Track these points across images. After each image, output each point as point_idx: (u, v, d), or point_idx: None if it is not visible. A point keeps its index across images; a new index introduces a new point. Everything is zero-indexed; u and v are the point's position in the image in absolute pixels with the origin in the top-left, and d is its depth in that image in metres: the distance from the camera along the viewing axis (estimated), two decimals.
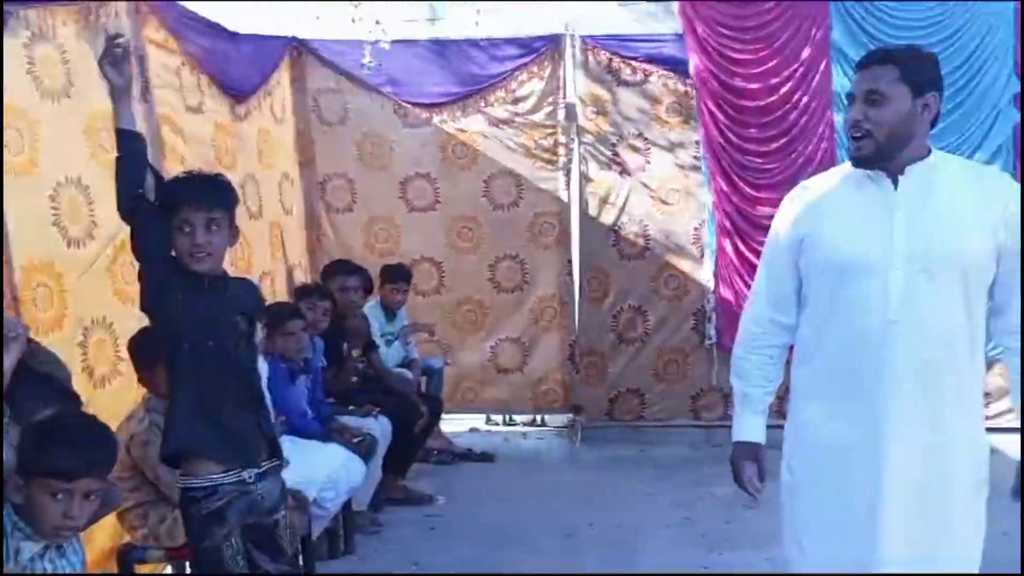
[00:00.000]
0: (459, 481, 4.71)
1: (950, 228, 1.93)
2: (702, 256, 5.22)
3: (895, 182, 1.96)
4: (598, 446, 5.24)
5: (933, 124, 1.99)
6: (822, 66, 4.99)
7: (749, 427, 2.18)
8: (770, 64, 5.03)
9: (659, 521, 4.09)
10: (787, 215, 2.12)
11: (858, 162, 1.99)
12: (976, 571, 2.05)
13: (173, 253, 2.08)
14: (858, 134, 1.95)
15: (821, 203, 2.06)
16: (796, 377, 2.15)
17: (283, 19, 5.26)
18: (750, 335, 2.18)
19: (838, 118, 4.85)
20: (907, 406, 1.95)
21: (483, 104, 5.31)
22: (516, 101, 5.30)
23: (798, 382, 2.14)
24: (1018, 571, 1.68)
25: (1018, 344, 1.97)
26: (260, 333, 2.66)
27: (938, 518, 1.98)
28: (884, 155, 1.95)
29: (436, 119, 5.32)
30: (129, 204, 2.07)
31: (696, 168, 5.20)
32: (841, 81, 4.86)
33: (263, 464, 2.15)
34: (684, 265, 5.27)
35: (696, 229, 5.25)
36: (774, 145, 5.06)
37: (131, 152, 2.09)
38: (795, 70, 5.00)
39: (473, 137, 5.31)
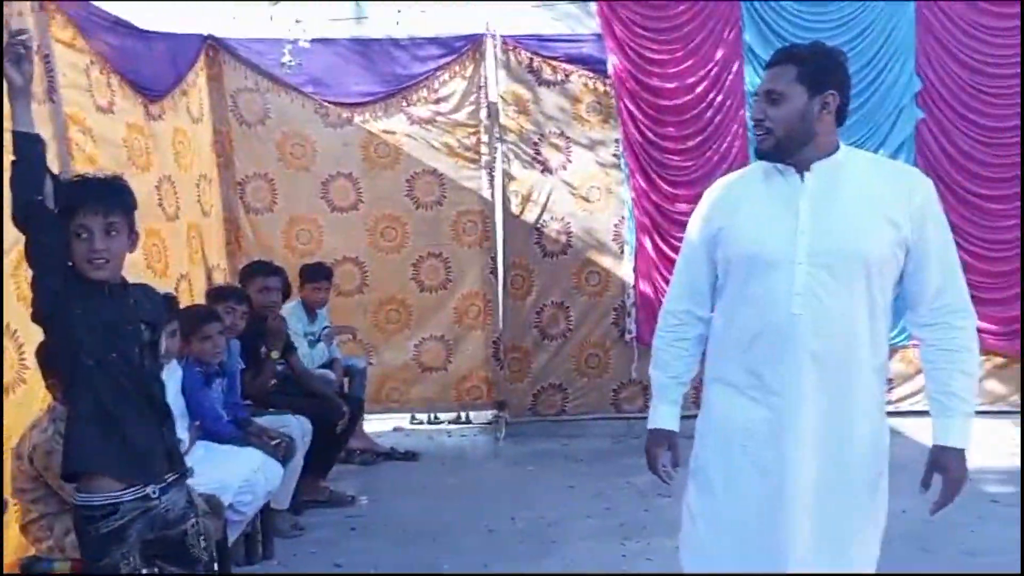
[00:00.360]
0: (382, 481, 4.72)
1: (853, 224, 1.97)
2: (622, 252, 5.33)
3: (803, 178, 2.01)
4: (522, 441, 5.31)
5: (840, 121, 2.04)
6: (735, 66, 5.15)
7: (663, 415, 2.23)
8: (686, 64, 5.17)
9: (580, 512, 4.17)
10: (703, 210, 2.18)
11: (761, 154, 2.07)
12: (876, 556, 2.10)
13: (71, 262, 2.03)
14: (760, 131, 2.03)
15: (734, 198, 2.12)
16: (708, 366, 2.20)
17: (199, 18, 5.18)
18: (668, 327, 2.23)
19: (750, 116, 5.01)
20: (808, 398, 1.99)
21: (405, 104, 5.32)
22: (438, 100, 5.33)
23: (709, 371, 2.20)
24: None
25: (934, 335, 2.02)
26: (165, 342, 2.61)
27: (838, 505, 2.02)
28: (784, 151, 2.01)
29: (358, 119, 5.31)
30: (24, 211, 1.97)
31: (616, 166, 5.30)
32: (753, 80, 5.03)
33: (168, 477, 2.12)
34: (605, 261, 5.37)
35: (616, 226, 5.35)
36: (691, 143, 5.20)
37: (28, 156, 1.99)
38: (709, 70, 5.14)
39: (396, 137, 5.33)
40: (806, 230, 1.97)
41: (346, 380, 4.91)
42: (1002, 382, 5.21)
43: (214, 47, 5.15)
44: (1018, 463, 4.73)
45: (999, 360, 5.19)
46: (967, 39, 5.02)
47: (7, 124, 1.96)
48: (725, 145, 5.17)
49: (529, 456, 5.10)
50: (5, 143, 2.03)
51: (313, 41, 5.13)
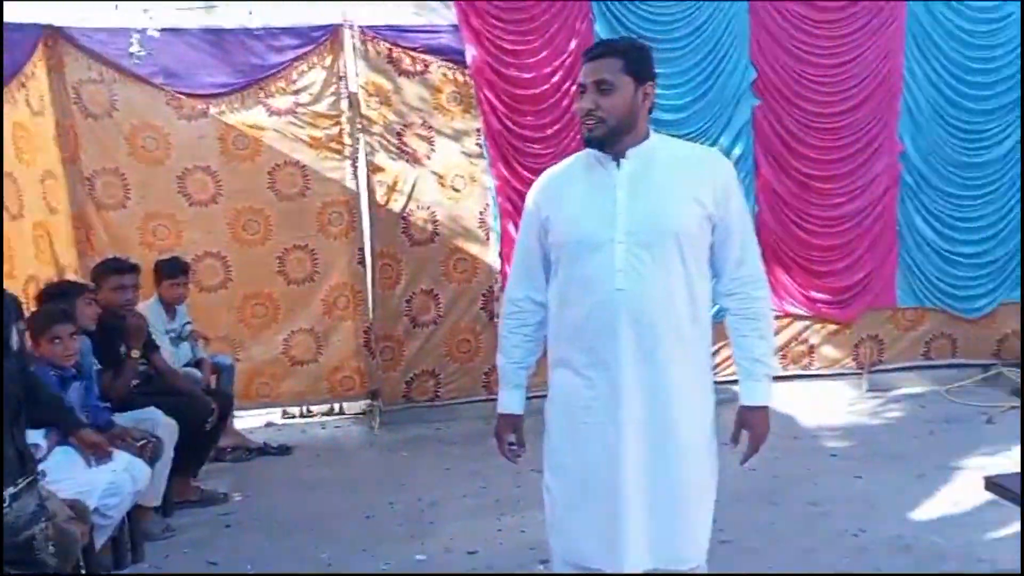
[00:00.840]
0: (256, 476, 4.66)
1: (666, 204, 2.14)
2: (488, 239, 5.46)
3: (619, 164, 2.17)
4: (396, 429, 5.37)
5: (650, 110, 2.21)
6: None
7: (508, 400, 2.38)
8: (541, 55, 5.33)
9: (456, 492, 4.29)
10: (533, 199, 2.31)
11: (590, 142, 2.16)
12: (709, 519, 2.27)
13: None
14: (591, 121, 2.13)
15: (559, 186, 2.26)
16: (549, 351, 2.32)
17: (38, 7, 4.90)
18: (509, 314, 2.37)
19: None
20: (637, 370, 2.14)
21: (263, 95, 5.24)
22: (298, 91, 5.28)
23: (551, 355, 2.31)
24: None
25: (735, 304, 2.23)
26: (16, 342, 2.51)
27: (671, 471, 2.16)
28: (613, 138, 2.14)
29: (213, 110, 5.19)
30: None
31: (480, 155, 5.41)
32: None
33: (19, 482, 2.06)
34: (472, 248, 5.48)
35: (482, 213, 5.47)
36: (548, 132, 5.37)
37: None
38: (564, 61, 5.32)
39: (254, 128, 5.23)
40: (623, 212, 2.13)
41: (213, 378, 4.81)
42: (836, 347, 5.69)
43: (53, 37, 4.90)
44: (854, 419, 5.22)
45: (833, 327, 5.65)
46: (796, 32, 5.41)
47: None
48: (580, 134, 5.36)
49: (404, 442, 5.17)
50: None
51: (163, 31, 4.97)
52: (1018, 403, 5.22)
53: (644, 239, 2.13)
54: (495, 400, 2.45)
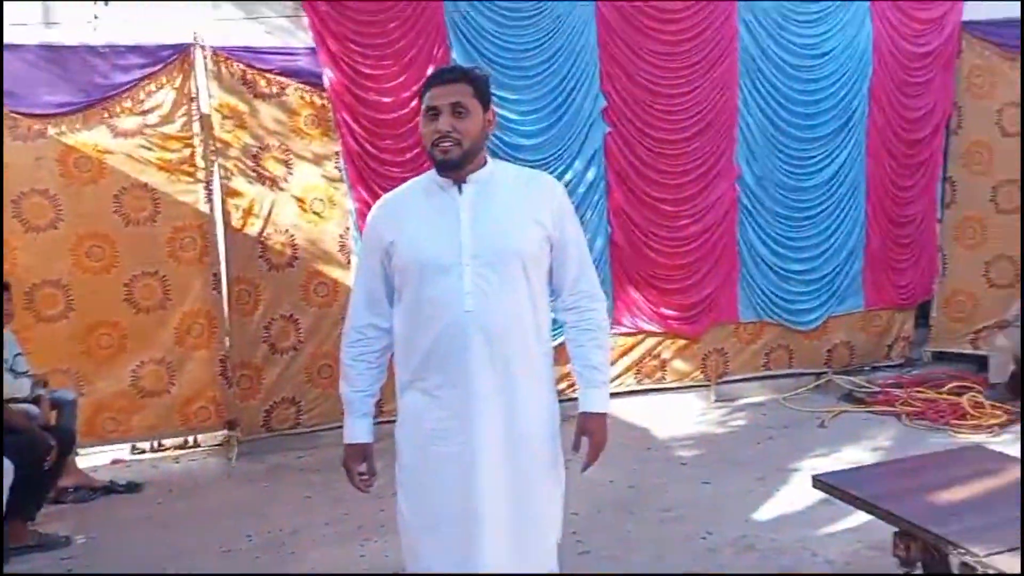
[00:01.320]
0: (101, 517, 4.41)
1: (509, 226, 2.23)
2: (349, 262, 5.42)
3: (460, 190, 2.25)
4: (256, 459, 5.22)
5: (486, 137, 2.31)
6: None
7: (356, 430, 2.37)
8: (400, 79, 5.38)
9: (318, 521, 4.22)
10: (373, 225, 2.34)
11: (445, 165, 2.20)
12: (557, 534, 2.37)
13: None
14: (447, 143, 2.18)
15: (401, 211, 2.30)
16: (398, 374, 2.33)
17: None
18: (351, 343, 2.35)
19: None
20: (490, 388, 2.20)
21: (107, 115, 5.03)
22: (145, 112, 5.09)
23: (400, 379, 2.32)
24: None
25: (573, 317, 2.36)
26: None
27: (525, 489, 2.25)
28: (466, 161, 2.22)
29: (52, 131, 4.93)
30: None
31: (339, 179, 5.38)
32: None
33: None
34: (333, 272, 5.43)
35: (342, 237, 5.44)
36: (408, 155, 5.40)
37: None
38: (422, 86, 5.37)
39: (98, 150, 5.00)
40: (468, 235, 2.20)
41: (53, 414, 4.53)
42: (686, 361, 5.99)
43: None
44: (703, 429, 5.50)
45: (682, 342, 5.96)
46: (641, 63, 5.70)
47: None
48: None
49: (264, 473, 5.04)
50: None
51: None
52: (847, 407, 5.69)
53: (490, 261, 2.20)
54: None
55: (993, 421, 5.18)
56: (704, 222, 5.88)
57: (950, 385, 5.69)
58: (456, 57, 5.39)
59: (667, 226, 5.84)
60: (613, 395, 5.70)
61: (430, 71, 5.35)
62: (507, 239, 2.23)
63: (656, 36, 5.71)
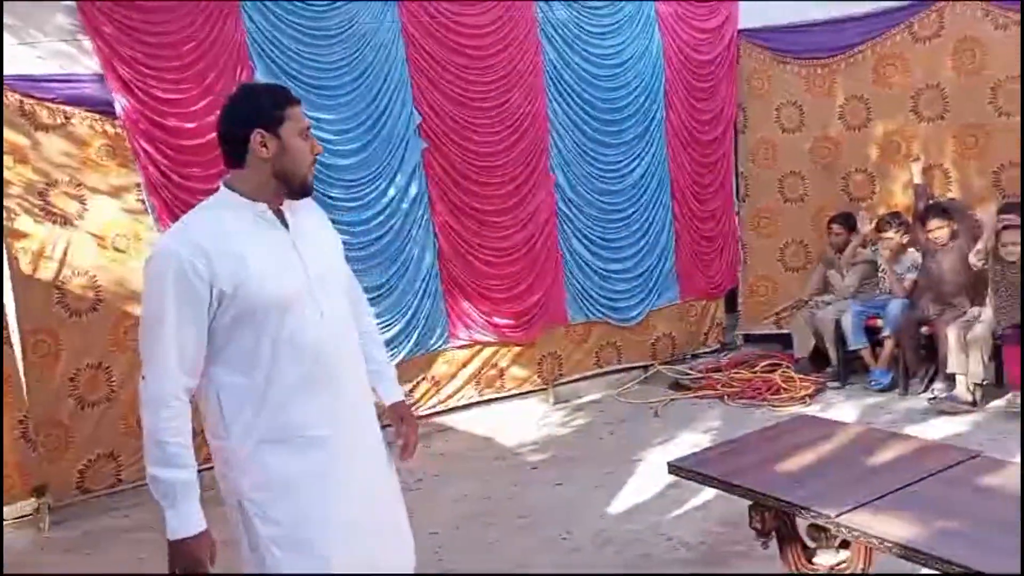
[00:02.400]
0: None
1: (331, 252, 2.32)
2: None
3: (283, 219, 2.17)
4: (73, 526, 4.70)
5: None
6: None
7: (198, 514, 2.02)
8: (202, 104, 5.07)
9: None
10: (195, 271, 2.01)
11: (311, 190, 2.23)
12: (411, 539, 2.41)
13: None
14: (314, 167, 2.21)
15: (234, 249, 2.06)
16: (249, 430, 2.10)
17: None
18: (171, 414, 2.00)
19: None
20: (360, 411, 2.28)
21: None
22: None
23: (252, 434, 2.10)
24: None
25: (362, 326, 2.41)
26: None
27: (388, 498, 2.36)
28: None
29: None
30: None
31: (143, 211, 5.00)
32: None
33: None
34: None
35: None
36: (218, 183, 5.08)
37: None
38: None
39: None
40: (310, 266, 2.18)
41: None
42: (522, 367, 6.07)
43: None
44: (547, 432, 5.60)
45: (517, 349, 6.04)
46: (452, 79, 5.73)
47: None
48: None
49: (85, 540, 4.56)
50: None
51: None
52: (676, 395, 5.99)
53: (329, 289, 2.22)
54: None
55: (804, 392, 5.65)
56: (527, 230, 6.00)
57: (762, 364, 6.16)
58: (260, 78, 5.17)
59: (492, 236, 5.90)
60: (456, 408, 5.77)
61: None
62: (334, 264, 2.31)
63: (463, 51, 5.77)
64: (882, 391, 5.64)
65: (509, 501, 4.39)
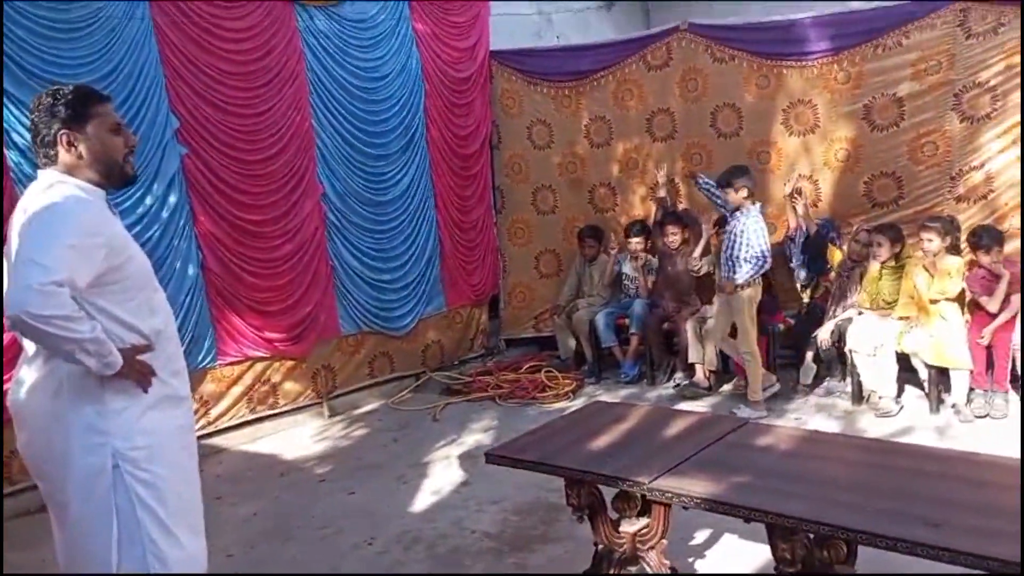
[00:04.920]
0: None
1: None
2: None
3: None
4: None
5: None
6: None
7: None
8: None
9: None
10: (100, 230, 2.32)
11: (133, 180, 2.55)
12: None
13: None
14: (131, 158, 2.46)
15: (111, 222, 2.40)
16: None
17: None
18: (63, 296, 2.22)
19: (10, 154, 4.64)
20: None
21: None
22: None
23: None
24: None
25: None
26: None
27: None
28: None
29: None
30: None
31: None
32: (8, 118, 4.63)
33: None
34: None
35: None
36: None
37: None
38: None
39: None
40: None
41: None
42: (296, 381, 5.90)
43: None
44: (328, 444, 5.51)
45: (290, 363, 5.87)
46: (211, 83, 5.45)
47: None
48: None
49: None
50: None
51: None
52: (450, 400, 6.17)
53: None
54: None
55: (567, 388, 6.09)
56: (296, 241, 5.87)
57: (527, 365, 6.54)
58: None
59: (260, 248, 5.69)
60: (229, 428, 5.49)
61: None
62: None
63: (222, 55, 5.52)
64: (631, 382, 6.24)
65: (304, 514, 4.29)
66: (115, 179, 2.42)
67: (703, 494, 2.56)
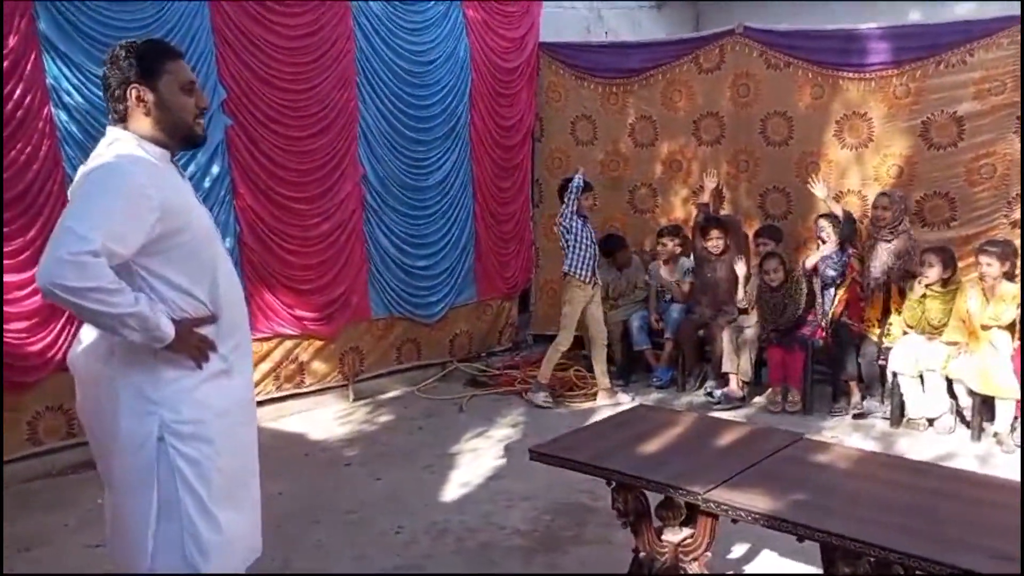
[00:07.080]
0: None
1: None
2: None
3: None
4: None
5: None
6: (32, 57, 4.56)
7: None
8: None
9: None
10: (151, 194, 2.17)
11: (203, 141, 2.41)
12: None
13: None
14: (202, 119, 2.33)
15: (177, 189, 2.30)
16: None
17: None
18: (101, 263, 2.12)
19: (58, 113, 4.58)
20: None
21: None
22: None
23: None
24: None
25: None
26: None
27: None
28: None
29: None
30: None
31: None
32: (54, 72, 4.57)
33: None
34: None
35: None
36: None
37: None
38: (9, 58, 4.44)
39: None
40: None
41: None
42: (324, 362, 5.85)
43: None
44: (352, 427, 5.45)
45: (319, 343, 5.81)
46: (261, 56, 5.39)
47: None
48: (32, 145, 4.54)
49: None
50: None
51: None
52: (476, 392, 6.09)
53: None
54: None
55: (595, 388, 5.98)
56: (333, 220, 5.81)
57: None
58: (44, 28, 4.55)
59: (297, 224, 5.63)
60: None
61: (11, 41, 4.47)
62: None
63: (275, 29, 5.47)
64: (662, 387, 6.14)
65: (330, 497, 4.22)
66: (182, 139, 2.31)
67: (763, 510, 2.46)
